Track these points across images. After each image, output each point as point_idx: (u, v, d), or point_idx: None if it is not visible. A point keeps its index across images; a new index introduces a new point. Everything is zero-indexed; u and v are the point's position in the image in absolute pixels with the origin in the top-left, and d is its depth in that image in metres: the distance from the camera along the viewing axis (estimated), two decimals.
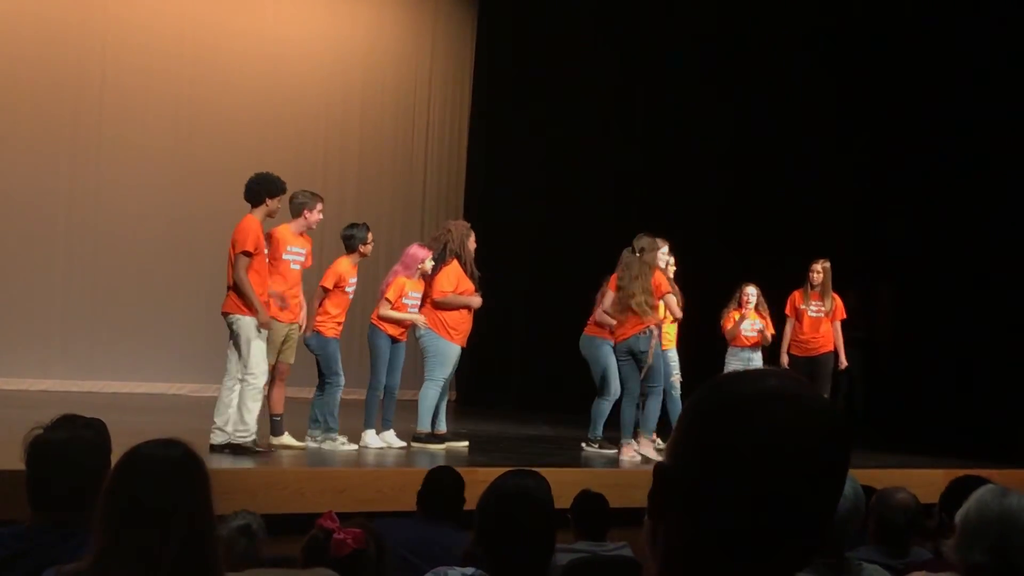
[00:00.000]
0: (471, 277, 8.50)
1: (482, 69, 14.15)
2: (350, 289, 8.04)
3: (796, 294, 9.73)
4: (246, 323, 7.07)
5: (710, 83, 12.83)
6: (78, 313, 11.42)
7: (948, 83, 11.59)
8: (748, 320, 9.63)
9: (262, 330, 7.16)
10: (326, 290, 7.98)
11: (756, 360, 9.55)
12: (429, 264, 8.34)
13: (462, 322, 8.46)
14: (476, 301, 8.46)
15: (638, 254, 8.54)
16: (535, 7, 13.42)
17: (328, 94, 13.11)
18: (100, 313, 11.46)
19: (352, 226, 8.24)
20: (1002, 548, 2.83)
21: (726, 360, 9.59)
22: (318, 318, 7.95)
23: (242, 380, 7.10)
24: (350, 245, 8.12)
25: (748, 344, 9.62)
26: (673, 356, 9.23)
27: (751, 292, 9.66)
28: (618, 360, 8.63)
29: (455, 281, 8.39)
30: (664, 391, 8.81)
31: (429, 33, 13.95)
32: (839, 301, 9.68)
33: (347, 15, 13.33)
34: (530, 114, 13.56)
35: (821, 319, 9.61)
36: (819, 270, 9.58)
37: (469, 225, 8.78)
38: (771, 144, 12.60)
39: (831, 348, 9.68)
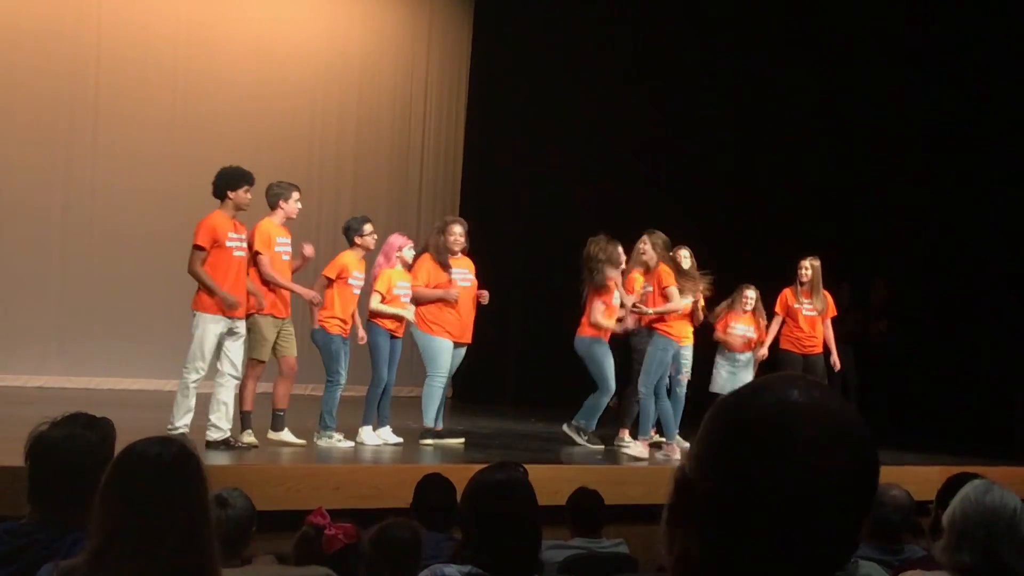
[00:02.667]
0: (444, 268, 8.42)
1: (478, 66, 14.14)
2: (354, 282, 7.99)
3: (787, 292, 9.50)
4: (196, 319, 7.20)
5: (707, 78, 12.84)
6: (74, 309, 11.40)
7: (947, 81, 11.60)
8: (742, 326, 9.44)
9: (225, 326, 7.21)
10: (329, 280, 7.96)
11: (744, 360, 9.38)
12: (408, 253, 8.32)
13: (441, 316, 8.38)
14: (452, 294, 8.35)
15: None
16: (531, 3, 13.41)
17: (324, 92, 13.09)
18: (96, 309, 11.44)
19: (351, 219, 8.29)
20: (988, 546, 2.82)
21: (716, 360, 9.44)
22: (322, 312, 7.94)
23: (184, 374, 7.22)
24: (348, 238, 8.15)
25: (738, 346, 9.44)
26: (686, 354, 9.12)
27: (750, 296, 9.40)
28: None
29: (424, 275, 8.37)
30: (669, 388, 8.86)
31: (425, 30, 13.93)
32: (830, 299, 9.56)
33: (343, 13, 13.30)
34: (526, 111, 13.56)
35: (815, 318, 9.47)
36: (807, 267, 9.40)
37: (450, 219, 8.75)
38: (767, 141, 12.61)
39: (823, 348, 9.58)
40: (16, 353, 10.96)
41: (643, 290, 8.60)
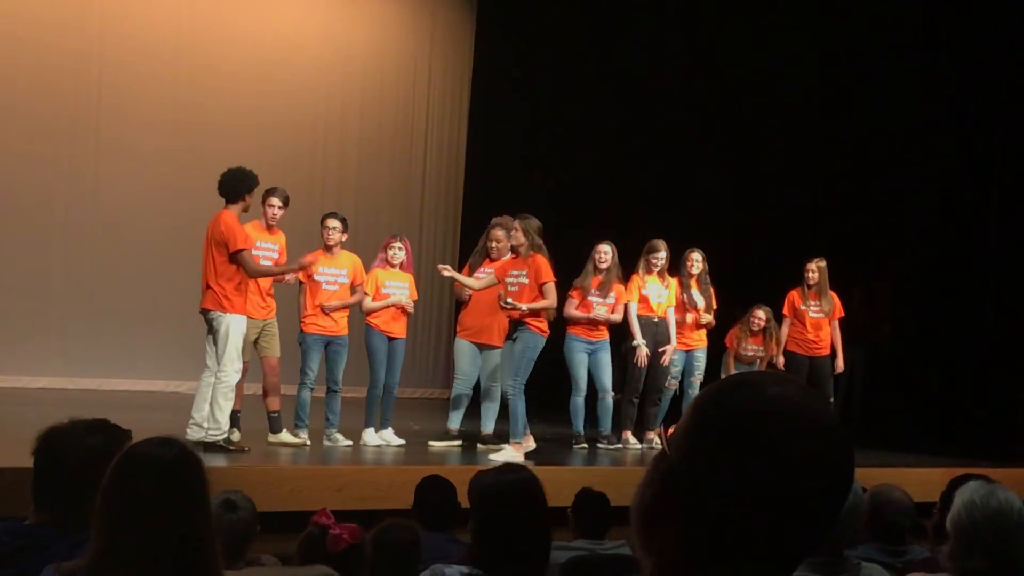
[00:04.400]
0: (470, 269, 8.71)
1: (481, 65, 14.14)
2: (320, 278, 7.95)
3: (794, 294, 9.60)
4: (226, 320, 7.09)
5: (710, 80, 12.83)
6: (76, 310, 11.40)
7: (951, 84, 11.59)
8: (751, 345, 9.69)
9: (244, 325, 7.24)
10: (300, 281, 8.01)
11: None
12: (395, 255, 8.27)
13: (461, 317, 8.70)
14: (463, 294, 8.56)
15: None
16: (533, 4, 13.41)
17: (327, 93, 13.09)
18: (98, 310, 11.44)
19: None
20: (1001, 551, 2.80)
21: (730, 370, 9.62)
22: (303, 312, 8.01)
23: (216, 377, 7.11)
24: None
25: (747, 360, 9.67)
26: (699, 356, 9.30)
27: (760, 316, 9.62)
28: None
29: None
30: (683, 389, 9.16)
31: (428, 31, 13.93)
32: (837, 300, 9.60)
33: (346, 13, 13.30)
34: (529, 112, 13.55)
35: (822, 319, 9.51)
36: (814, 269, 9.47)
37: (494, 221, 8.65)
38: (770, 140, 12.60)
39: (830, 350, 9.62)
40: (17, 353, 10.96)
41: (515, 280, 7.90)
